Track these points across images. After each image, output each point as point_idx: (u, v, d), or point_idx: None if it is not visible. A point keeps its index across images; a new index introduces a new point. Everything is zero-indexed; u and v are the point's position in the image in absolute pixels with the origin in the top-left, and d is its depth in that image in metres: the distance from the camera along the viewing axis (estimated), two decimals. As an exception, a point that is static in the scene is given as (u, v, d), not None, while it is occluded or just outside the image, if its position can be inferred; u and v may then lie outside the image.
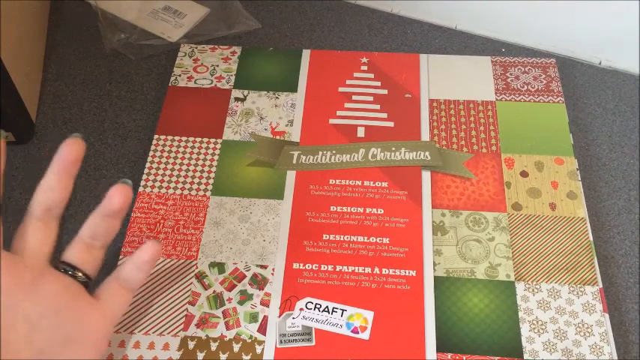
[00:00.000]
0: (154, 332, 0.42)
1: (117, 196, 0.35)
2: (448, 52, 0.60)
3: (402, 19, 0.63)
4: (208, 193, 0.49)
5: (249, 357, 0.41)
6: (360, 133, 0.52)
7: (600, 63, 0.59)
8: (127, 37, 0.61)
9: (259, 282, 0.45)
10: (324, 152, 0.51)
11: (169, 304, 0.44)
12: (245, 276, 0.45)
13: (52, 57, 0.61)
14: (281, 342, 0.42)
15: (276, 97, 0.55)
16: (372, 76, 0.56)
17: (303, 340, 0.42)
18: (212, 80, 0.56)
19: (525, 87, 0.55)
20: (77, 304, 0.34)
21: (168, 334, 0.42)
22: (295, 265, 0.45)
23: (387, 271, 0.45)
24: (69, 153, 0.35)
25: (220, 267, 0.45)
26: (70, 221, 0.50)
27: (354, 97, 0.54)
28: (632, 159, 0.53)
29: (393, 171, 0.50)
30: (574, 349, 0.41)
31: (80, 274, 0.35)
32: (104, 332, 0.35)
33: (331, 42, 0.62)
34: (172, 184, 0.49)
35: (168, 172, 0.50)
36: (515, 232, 0.47)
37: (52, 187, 0.34)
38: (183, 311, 0.43)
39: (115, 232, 0.36)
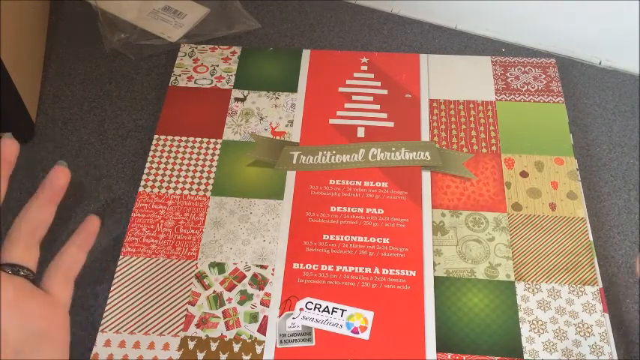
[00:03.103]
0: (153, 332, 0.42)
1: (58, 176, 0.36)
2: (448, 52, 0.60)
3: (402, 19, 0.63)
4: (208, 193, 0.49)
5: (249, 357, 0.41)
6: (360, 133, 0.52)
7: (600, 63, 0.59)
8: (127, 37, 0.61)
9: (259, 282, 0.45)
10: (324, 152, 0.51)
11: (169, 304, 0.44)
12: (245, 276, 0.45)
13: (52, 57, 0.61)
14: (281, 342, 0.42)
15: (276, 97, 0.55)
16: (372, 76, 0.56)
17: (303, 340, 0.42)
18: (212, 80, 0.56)
19: (525, 87, 0.55)
20: (34, 300, 0.34)
21: (168, 334, 0.42)
22: (295, 265, 0.45)
23: (387, 271, 0.45)
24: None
25: (220, 267, 0.45)
26: (70, 221, 0.50)
27: (354, 97, 0.54)
28: (632, 159, 0.53)
29: (393, 171, 0.50)
30: (574, 349, 0.41)
31: (25, 272, 0.34)
32: (65, 323, 0.35)
33: (331, 42, 0.62)
34: (172, 184, 0.49)
35: (168, 172, 0.50)
36: (515, 232, 0.47)
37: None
38: (183, 311, 0.43)
39: (49, 221, 0.36)
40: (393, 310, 0.43)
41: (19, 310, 0.33)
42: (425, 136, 0.52)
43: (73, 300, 0.36)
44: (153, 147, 0.52)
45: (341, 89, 0.55)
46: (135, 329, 0.42)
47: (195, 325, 0.43)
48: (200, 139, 0.52)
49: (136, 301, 0.44)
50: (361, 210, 0.48)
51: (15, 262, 0.34)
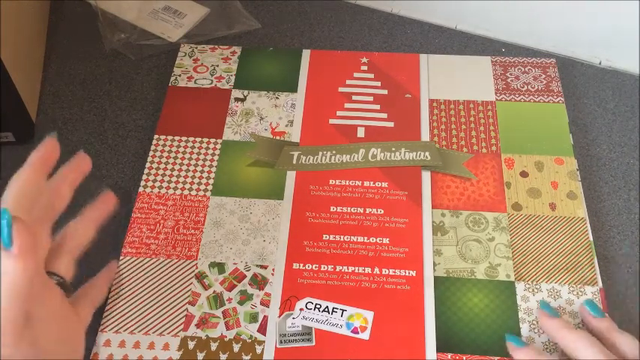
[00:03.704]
0: (153, 332, 0.42)
1: (109, 202, 0.41)
2: (448, 52, 0.60)
3: (402, 19, 0.63)
4: (208, 194, 0.49)
5: (249, 357, 0.41)
6: (360, 133, 0.52)
7: (600, 63, 0.59)
8: (127, 37, 0.61)
9: (259, 282, 0.45)
10: (324, 152, 0.51)
11: (169, 304, 0.44)
12: (245, 276, 0.45)
13: (52, 57, 0.61)
14: (281, 342, 0.42)
15: (276, 97, 0.55)
16: (372, 76, 0.56)
17: (303, 340, 0.42)
18: (212, 80, 0.56)
19: (525, 87, 0.55)
20: (64, 307, 0.36)
21: (168, 334, 0.42)
22: (295, 265, 0.45)
23: (387, 271, 0.45)
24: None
25: (220, 267, 0.45)
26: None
27: (354, 97, 0.54)
28: (632, 159, 0.53)
29: (393, 171, 0.50)
30: (574, 349, 0.41)
31: (66, 285, 0.37)
32: (83, 338, 0.38)
33: (331, 42, 0.62)
34: (172, 184, 0.49)
35: (168, 172, 0.50)
36: (515, 232, 0.47)
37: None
38: (183, 311, 0.43)
39: (90, 240, 0.40)
40: (393, 310, 0.43)
41: (49, 313, 0.35)
42: (425, 136, 0.52)
43: None
44: (153, 147, 0.52)
45: (341, 89, 0.55)
46: (135, 329, 0.42)
47: (195, 325, 0.43)
48: (200, 139, 0.52)
49: (136, 301, 0.44)
50: (361, 210, 0.48)
51: (59, 273, 0.37)
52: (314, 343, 0.42)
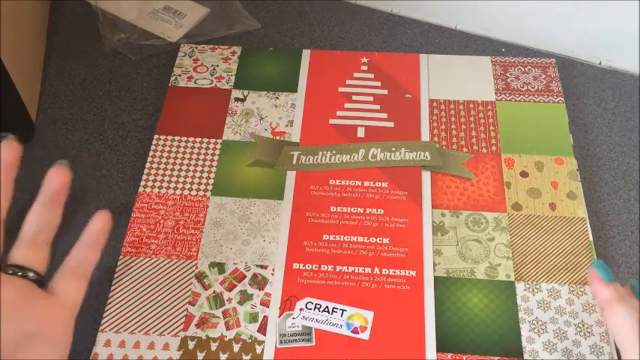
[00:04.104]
0: (153, 332, 0.42)
1: (55, 177, 0.36)
2: (448, 52, 0.60)
3: (402, 19, 0.63)
4: (208, 194, 0.49)
5: (249, 357, 0.41)
6: (360, 133, 0.52)
7: (600, 63, 0.59)
8: (127, 37, 0.61)
9: (259, 282, 0.45)
10: (324, 152, 0.51)
11: (169, 304, 0.44)
12: (245, 276, 0.45)
13: (52, 57, 0.61)
14: (281, 342, 0.42)
15: (276, 97, 0.55)
16: (372, 76, 0.56)
17: (303, 340, 0.42)
18: (212, 80, 0.56)
19: (525, 87, 0.55)
20: (32, 302, 0.34)
21: (168, 334, 0.42)
22: (295, 265, 0.45)
23: (387, 271, 0.45)
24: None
25: (220, 267, 0.45)
26: (70, 222, 0.50)
27: (354, 97, 0.54)
28: (632, 159, 0.53)
29: (393, 171, 0.50)
30: (574, 349, 0.41)
31: (31, 274, 0.35)
32: (65, 324, 0.35)
33: (331, 42, 0.62)
34: (172, 184, 0.49)
35: (168, 172, 0.50)
36: (515, 232, 0.47)
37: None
38: (183, 311, 0.43)
39: (57, 223, 0.36)
40: (393, 310, 0.43)
41: (14, 311, 0.33)
42: (425, 136, 0.52)
43: None
44: (153, 147, 0.52)
45: (341, 89, 0.55)
46: (135, 329, 0.42)
47: (195, 325, 0.43)
48: (200, 139, 0.52)
49: (136, 301, 0.44)
50: (361, 210, 0.48)
51: (18, 263, 0.34)
52: (314, 343, 0.42)
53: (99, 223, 0.38)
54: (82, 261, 0.37)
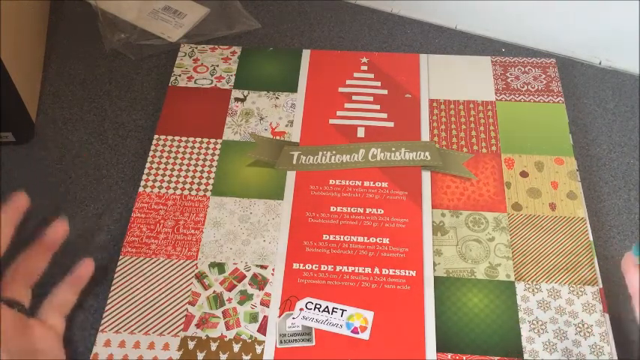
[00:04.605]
0: (153, 332, 0.42)
1: (60, 230, 0.42)
2: (448, 52, 0.60)
3: (402, 19, 0.63)
4: (208, 194, 0.49)
5: (249, 357, 0.41)
6: (360, 133, 0.52)
7: (600, 63, 0.59)
8: (127, 37, 0.61)
9: (259, 282, 0.45)
10: (324, 152, 0.51)
11: (169, 304, 0.44)
12: (245, 276, 0.45)
13: (52, 57, 0.61)
14: (281, 342, 0.42)
15: (276, 97, 0.55)
16: (372, 76, 0.56)
17: (303, 340, 0.42)
18: (212, 80, 0.56)
19: (525, 87, 0.55)
20: (31, 326, 0.39)
21: (168, 334, 0.42)
22: (295, 265, 0.45)
23: (387, 271, 0.45)
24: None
25: (220, 267, 0.45)
26: (70, 222, 0.50)
27: (354, 97, 0.54)
28: (632, 159, 0.53)
29: (393, 171, 0.50)
30: (574, 349, 0.41)
31: (21, 307, 0.39)
32: (59, 344, 0.40)
33: (331, 42, 0.62)
34: (172, 184, 0.49)
35: (168, 172, 0.50)
36: (515, 232, 0.47)
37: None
38: (183, 311, 0.43)
39: (44, 268, 0.41)
40: (393, 310, 0.43)
41: (16, 332, 0.37)
42: (425, 136, 0.52)
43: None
44: (153, 147, 0.52)
45: (341, 89, 0.55)
46: (135, 329, 0.42)
47: (195, 325, 0.43)
48: (200, 139, 0.52)
49: (136, 301, 0.44)
50: (361, 210, 0.48)
51: (13, 298, 0.39)
52: (314, 343, 0.42)
53: (84, 270, 0.43)
54: (64, 301, 0.42)
